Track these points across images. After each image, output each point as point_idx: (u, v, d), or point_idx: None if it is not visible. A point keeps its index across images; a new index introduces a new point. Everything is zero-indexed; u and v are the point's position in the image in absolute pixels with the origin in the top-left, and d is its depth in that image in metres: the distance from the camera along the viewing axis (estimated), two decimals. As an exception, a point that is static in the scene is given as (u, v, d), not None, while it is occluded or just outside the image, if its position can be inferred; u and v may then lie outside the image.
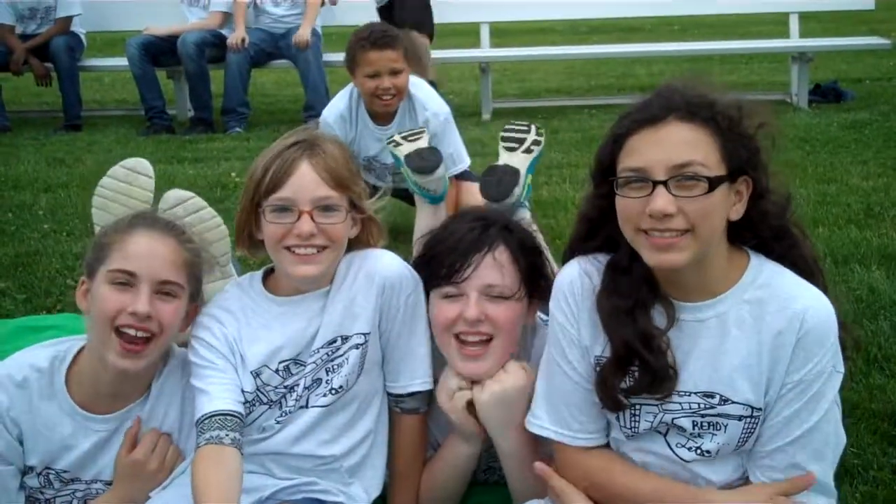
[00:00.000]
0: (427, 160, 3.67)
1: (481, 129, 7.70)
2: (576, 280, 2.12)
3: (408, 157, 3.70)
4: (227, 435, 2.17)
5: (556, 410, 2.17)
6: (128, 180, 3.47)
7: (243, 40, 8.10)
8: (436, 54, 9.69)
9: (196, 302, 2.35)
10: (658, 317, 2.03)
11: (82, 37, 8.72)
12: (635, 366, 2.02)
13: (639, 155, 1.93)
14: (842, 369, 2.01)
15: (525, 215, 3.45)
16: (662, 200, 1.88)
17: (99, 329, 2.20)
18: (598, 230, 2.12)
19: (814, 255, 2.13)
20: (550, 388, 2.18)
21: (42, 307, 4.09)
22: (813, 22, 10.93)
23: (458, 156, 4.48)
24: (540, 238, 2.57)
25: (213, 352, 2.29)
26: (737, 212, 1.98)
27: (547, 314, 2.28)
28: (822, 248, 4.45)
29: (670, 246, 1.90)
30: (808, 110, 8.24)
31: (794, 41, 8.81)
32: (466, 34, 10.66)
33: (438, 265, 2.35)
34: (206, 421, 2.19)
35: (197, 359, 2.29)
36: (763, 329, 1.98)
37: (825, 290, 2.05)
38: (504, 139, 3.60)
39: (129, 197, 3.49)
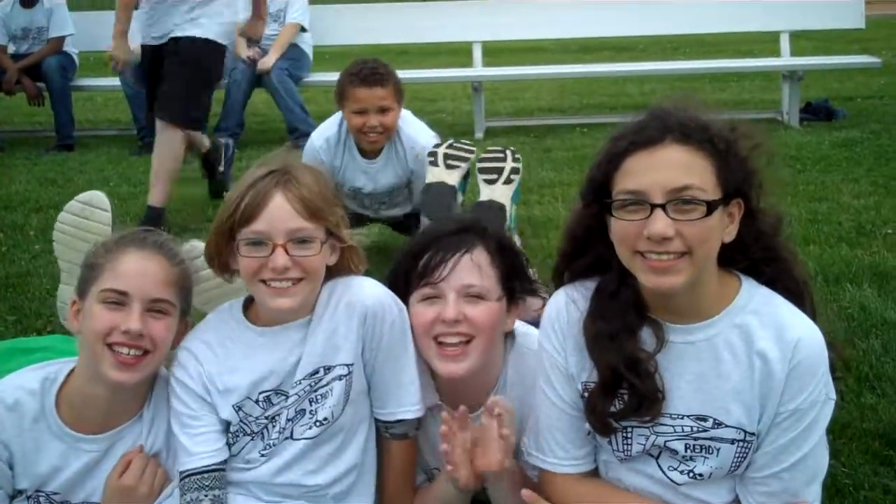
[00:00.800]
0: (439, 206, 3.62)
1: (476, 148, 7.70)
2: (562, 309, 2.14)
3: (427, 187, 3.63)
4: (206, 495, 2.23)
5: (542, 438, 2.18)
6: (84, 214, 3.52)
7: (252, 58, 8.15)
8: (429, 73, 9.76)
9: (187, 318, 2.37)
10: (647, 339, 2.03)
11: (75, 57, 8.74)
12: (623, 389, 2.02)
13: (636, 177, 1.93)
14: (834, 396, 2.01)
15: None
16: (661, 223, 1.88)
17: (91, 347, 2.21)
18: (586, 248, 2.12)
19: (804, 277, 2.13)
20: (537, 416, 2.19)
21: (33, 328, 4.07)
22: (804, 40, 10.97)
23: None
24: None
25: (190, 394, 2.29)
26: (729, 234, 1.99)
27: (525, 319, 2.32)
28: (814, 266, 4.45)
29: (668, 269, 1.91)
30: (800, 128, 8.27)
31: (785, 60, 8.84)
32: (459, 53, 10.69)
33: (416, 268, 2.35)
34: (186, 480, 2.24)
35: (175, 402, 2.31)
36: (755, 355, 1.98)
37: (814, 313, 2.06)
38: (482, 170, 3.60)
39: (87, 231, 3.54)
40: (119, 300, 2.21)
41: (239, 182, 2.30)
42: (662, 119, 1.97)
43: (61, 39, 8.58)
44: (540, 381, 2.18)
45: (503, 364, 2.42)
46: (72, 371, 2.31)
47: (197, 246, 3.01)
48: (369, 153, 4.44)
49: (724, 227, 1.97)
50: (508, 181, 3.53)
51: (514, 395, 2.32)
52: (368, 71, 4.16)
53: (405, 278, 2.38)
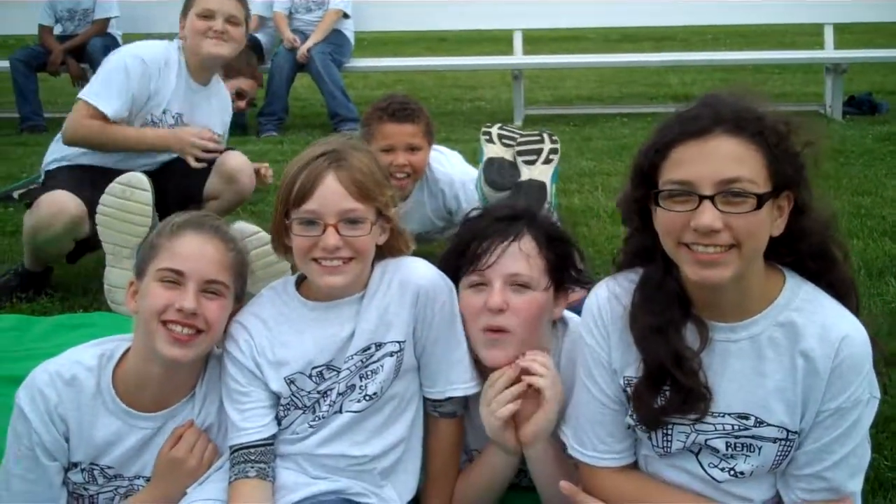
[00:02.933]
0: (504, 177, 3.53)
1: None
2: (604, 303, 2.13)
3: (489, 161, 3.60)
4: (252, 467, 2.29)
5: (583, 431, 2.18)
6: (125, 196, 3.57)
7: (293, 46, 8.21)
8: (469, 61, 9.76)
9: (241, 303, 2.41)
10: (690, 336, 2.01)
11: (119, 39, 8.78)
12: (667, 385, 2.01)
13: (685, 167, 1.90)
14: (878, 395, 2.00)
15: None
16: (709, 215, 1.85)
17: (146, 323, 2.26)
18: (633, 235, 2.11)
19: (850, 275, 2.10)
20: (577, 409, 2.20)
21: (79, 305, 4.12)
22: (847, 33, 10.84)
23: None
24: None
25: (240, 369, 2.34)
26: (778, 227, 1.95)
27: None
28: (857, 260, 4.41)
29: (714, 262, 1.88)
30: (843, 122, 8.19)
31: (829, 52, 8.76)
32: (499, 41, 10.68)
33: (466, 253, 2.38)
34: (234, 454, 2.31)
35: (227, 377, 2.37)
36: (798, 353, 1.96)
37: (857, 311, 2.03)
38: (521, 153, 3.59)
39: (128, 212, 3.60)
40: (175, 279, 2.26)
41: (292, 162, 2.34)
42: (715, 108, 1.93)
43: (106, 21, 8.65)
44: (581, 374, 2.18)
45: (556, 351, 2.43)
46: (127, 350, 2.36)
47: (244, 228, 3.06)
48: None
49: (773, 221, 1.93)
50: (548, 161, 3.53)
51: (567, 382, 2.32)
52: (398, 106, 3.86)
53: (456, 263, 2.41)
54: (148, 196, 3.60)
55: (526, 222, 2.39)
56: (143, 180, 3.62)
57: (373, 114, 3.88)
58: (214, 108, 4.43)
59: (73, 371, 2.31)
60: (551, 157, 3.54)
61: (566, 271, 2.41)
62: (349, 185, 2.24)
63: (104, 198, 3.62)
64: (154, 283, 2.27)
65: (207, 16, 4.16)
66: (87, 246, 4.16)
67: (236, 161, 4.30)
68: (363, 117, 4.01)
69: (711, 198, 1.85)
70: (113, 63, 4.15)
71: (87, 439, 2.30)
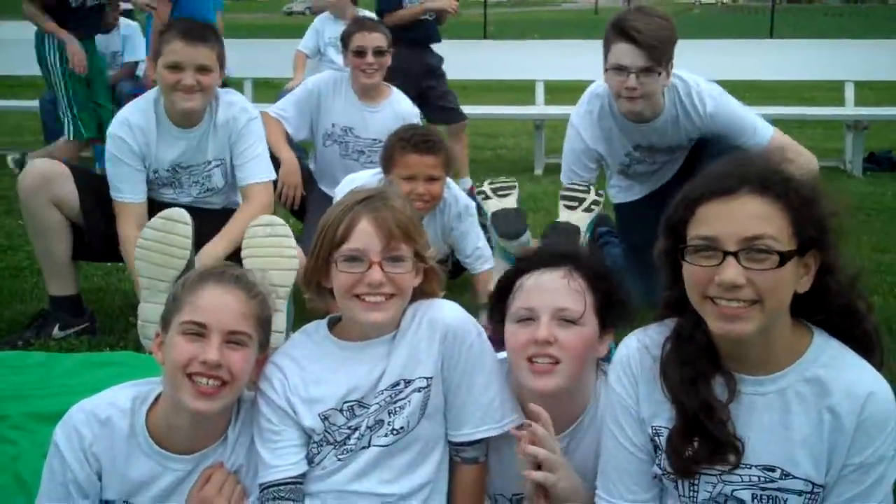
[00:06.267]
0: (513, 226, 3.63)
1: (534, 184, 7.79)
2: (633, 354, 2.17)
3: (494, 216, 3.68)
4: None
5: (610, 480, 2.21)
6: (165, 229, 3.59)
7: None
8: (493, 110, 9.85)
9: (265, 351, 2.45)
10: (719, 388, 2.05)
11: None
12: (696, 437, 2.04)
13: (710, 224, 1.96)
14: None
15: None
16: (733, 271, 1.91)
17: (172, 377, 2.30)
18: (665, 287, 2.16)
19: (877, 330, 2.13)
20: (605, 458, 2.23)
21: (105, 344, 4.18)
22: (868, 90, 10.91)
23: (488, 250, 4.35)
24: None
25: (273, 409, 2.40)
26: (803, 285, 1.99)
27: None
28: (878, 317, 4.41)
29: (737, 316, 1.93)
30: (863, 178, 8.23)
31: (850, 109, 8.83)
32: (519, 90, 10.78)
33: (513, 288, 2.42)
34: (264, 491, 2.36)
35: (260, 417, 2.42)
36: (824, 409, 1.99)
37: (881, 365, 2.06)
38: (564, 198, 3.68)
39: (168, 245, 3.62)
40: (198, 332, 2.29)
41: (334, 206, 2.46)
42: (742, 168, 1.99)
43: (135, 64, 8.81)
44: (609, 423, 2.21)
45: (595, 393, 2.45)
46: (160, 394, 2.41)
47: (269, 217, 3.13)
48: None
49: (798, 278, 1.97)
50: (589, 210, 3.63)
51: (599, 431, 2.33)
52: (420, 137, 4.01)
53: (504, 298, 2.44)
54: (188, 230, 3.64)
55: (573, 260, 2.43)
56: (185, 215, 3.66)
57: (395, 143, 4.02)
58: (217, 141, 4.27)
59: (108, 412, 2.36)
60: (593, 207, 3.64)
61: (611, 310, 2.43)
62: (392, 226, 2.34)
63: (144, 231, 3.65)
64: (178, 336, 2.31)
65: (176, 67, 4.01)
66: (89, 248, 4.17)
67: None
68: (385, 145, 4.12)
69: (735, 254, 1.91)
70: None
71: (120, 478, 2.34)
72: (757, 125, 4.05)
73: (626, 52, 3.82)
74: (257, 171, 4.26)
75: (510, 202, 3.82)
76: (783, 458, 2.02)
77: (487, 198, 3.87)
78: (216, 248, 3.91)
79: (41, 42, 7.15)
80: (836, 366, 2.02)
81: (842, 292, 2.05)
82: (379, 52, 5.16)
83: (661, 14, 3.89)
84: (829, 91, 9.98)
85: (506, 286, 2.46)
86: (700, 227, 1.98)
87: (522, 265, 2.47)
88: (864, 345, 2.08)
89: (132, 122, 4.14)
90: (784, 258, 1.91)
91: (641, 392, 2.15)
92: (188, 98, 4.02)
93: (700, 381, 2.04)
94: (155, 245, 3.61)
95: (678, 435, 2.07)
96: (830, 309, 2.06)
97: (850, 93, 8.91)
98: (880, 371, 2.04)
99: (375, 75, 5.16)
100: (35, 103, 8.86)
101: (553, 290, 2.36)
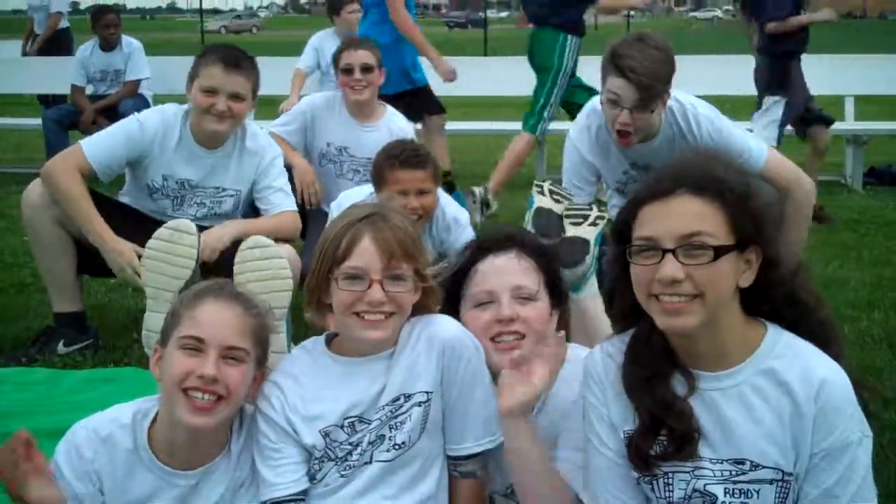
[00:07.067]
0: (550, 227, 3.67)
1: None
2: (598, 362, 2.25)
3: (536, 211, 3.73)
4: None
5: (595, 487, 2.23)
6: (172, 239, 3.61)
7: None
8: (495, 126, 9.88)
9: (263, 368, 2.46)
10: (679, 386, 2.12)
11: (149, 99, 8.97)
12: (662, 435, 2.11)
13: (650, 225, 2.07)
14: (870, 433, 2.06)
15: (593, 286, 3.57)
16: (671, 267, 2.01)
17: (168, 392, 2.32)
18: (620, 294, 2.22)
19: (830, 321, 2.22)
20: (588, 467, 2.26)
21: (109, 360, 4.19)
22: (868, 104, 10.93)
23: None
24: None
25: (272, 426, 2.41)
26: (746, 279, 2.08)
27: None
28: (879, 332, 4.45)
29: (679, 310, 2.02)
30: (863, 192, 8.26)
31: (849, 124, 8.86)
32: (519, 106, 10.79)
33: (466, 278, 2.58)
34: None
35: (259, 435, 2.43)
36: (782, 398, 2.05)
37: (839, 356, 2.13)
38: (568, 217, 3.71)
39: (174, 255, 3.64)
40: (196, 346, 2.31)
41: (335, 222, 2.48)
42: (678, 170, 2.11)
43: (137, 82, 8.86)
44: (587, 432, 2.26)
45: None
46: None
47: (259, 239, 3.17)
48: None
49: (739, 273, 2.07)
50: (594, 224, 3.69)
51: (558, 406, 2.46)
52: (409, 153, 4.05)
53: (458, 287, 2.59)
54: (194, 240, 3.66)
55: (518, 242, 2.59)
56: (191, 226, 3.69)
57: (384, 160, 4.06)
58: (239, 170, 4.33)
59: (110, 429, 2.37)
60: (598, 221, 3.69)
61: (556, 288, 2.60)
62: (394, 245, 2.36)
63: (151, 242, 3.67)
64: (176, 350, 2.32)
65: (211, 92, 4.07)
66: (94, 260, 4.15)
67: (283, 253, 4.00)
68: (374, 163, 4.17)
69: (673, 251, 2.01)
70: (119, 123, 4.24)
71: (122, 492, 2.36)
72: (752, 146, 4.09)
73: (620, 87, 3.84)
74: (286, 201, 4.34)
75: (558, 209, 3.83)
76: (750, 450, 2.07)
77: (542, 193, 3.88)
78: (224, 230, 3.97)
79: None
80: (789, 355, 2.09)
81: (785, 283, 2.14)
82: (366, 69, 5.16)
83: (660, 44, 3.89)
84: (829, 105, 9.98)
85: (459, 274, 2.60)
86: (641, 228, 2.09)
87: (472, 252, 2.61)
88: (819, 337, 2.15)
89: (157, 124, 4.18)
90: (718, 252, 2.01)
91: (609, 397, 2.21)
92: (218, 122, 4.09)
93: (657, 378, 2.13)
94: (161, 255, 3.64)
95: (640, 434, 2.13)
96: (776, 299, 2.14)
97: (850, 107, 8.94)
98: (839, 363, 2.09)
99: (364, 91, 5.16)
100: (38, 121, 8.89)
101: (508, 271, 2.55)
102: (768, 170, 4.00)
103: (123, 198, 4.35)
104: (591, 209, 3.77)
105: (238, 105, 4.10)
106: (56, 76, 9.56)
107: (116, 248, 3.92)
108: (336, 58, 5.29)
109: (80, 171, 4.05)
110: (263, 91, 4.38)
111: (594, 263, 3.62)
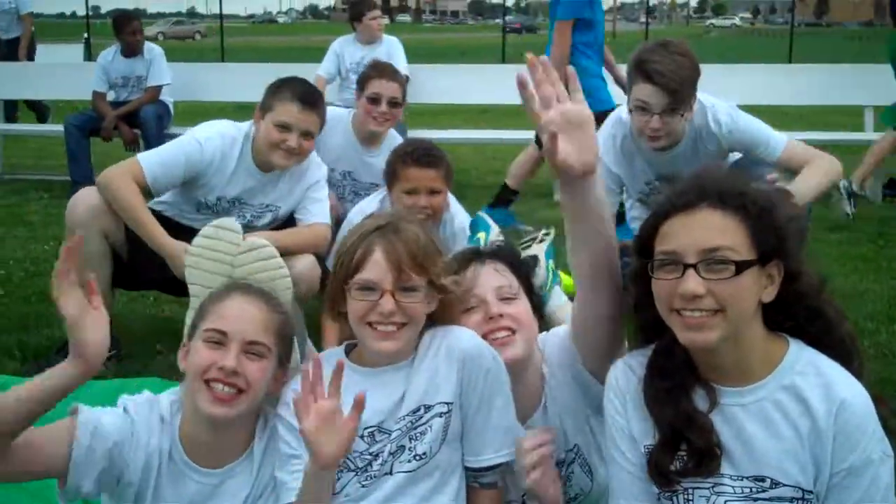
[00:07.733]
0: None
1: (552, 210, 7.81)
2: (620, 376, 2.26)
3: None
4: None
5: (615, 500, 2.25)
6: (216, 236, 3.65)
7: None
8: (511, 135, 9.89)
9: (285, 367, 2.51)
10: (700, 401, 2.13)
11: (171, 106, 9.05)
12: (682, 449, 2.11)
13: (672, 239, 2.08)
14: (891, 453, 2.06)
15: (561, 298, 3.69)
16: (693, 282, 2.01)
17: (191, 382, 2.38)
18: (642, 308, 2.23)
19: (852, 336, 2.21)
20: (612, 482, 2.28)
21: (131, 371, 4.22)
22: (887, 115, 10.86)
23: None
24: None
25: (291, 432, 2.41)
26: (768, 294, 2.09)
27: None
28: (897, 346, 4.44)
29: (701, 325, 2.03)
30: (882, 204, 8.21)
31: (868, 134, 8.81)
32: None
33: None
34: None
35: (279, 440, 2.46)
36: (803, 415, 2.05)
37: (860, 373, 2.12)
38: (521, 244, 4.18)
39: (216, 251, 3.67)
40: (219, 339, 2.38)
41: (350, 233, 2.52)
42: (700, 184, 2.11)
43: (159, 89, 8.89)
44: (609, 447, 2.27)
45: (544, 384, 2.67)
46: None
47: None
48: None
49: (761, 288, 2.07)
50: (541, 241, 4.00)
51: (556, 411, 2.63)
52: (422, 152, 4.15)
53: None
54: (237, 237, 3.68)
55: (489, 254, 2.77)
56: (235, 224, 3.70)
57: (397, 159, 4.18)
58: (285, 187, 4.39)
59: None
60: (544, 238, 3.92)
61: (533, 292, 2.74)
62: (405, 258, 2.38)
63: (196, 239, 3.69)
64: (200, 343, 2.40)
65: (285, 128, 4.13)
66: (132, 274, 4.19)
67: (301, 265, 4.12)
68: (387, 161, 4.27)
69: (695, 266, 2.01)
70: (177, 141, 4.27)
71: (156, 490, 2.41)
72: (770, 136, 4.14)
73: (649, 94, 3.90)
74: (322, 213, 4.41)
75: (532, 251, 3.98)
76: (771, 467, 2.07)
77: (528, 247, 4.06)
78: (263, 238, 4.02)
79: None
80: (811, 372, 2.09)
81: (808, 297, 2.14)
82: (394, 104, 5.10)
83: (683, 49, 3.95)
84: (849, 116, 9.97)
85: None
86: (663, 242, 2.09)
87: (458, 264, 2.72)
88: (841, 353, 2.15)
89: (217, 148, 4.23)
90: (740, 267, 2.01)
91: (629, 410, 2.22)
92: (287, 158, 4.18)
93: (679, 392, 2.13)
94: (204, 251, 3.66)
95: (660, 449, 2.14)
96: (798, 315, 2.14)
97: (869, 118, 8.89)
98: (860, 380, 2.09)
99: (385, 125, 5.11)
100: (59, 127, 8.95)
101: (489, 276, 2.66)
102: (785, 156, 4.09)
103: (160, 205, 4.39)
104: (537, 233, 3.98)
105: (308, 143, 4.20)
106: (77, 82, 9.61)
107: (176, 253, 3.99)
108: (363, 81, 5.18)
109: (137, 183, 4.11)
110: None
111: (551, 274, 3.83)
